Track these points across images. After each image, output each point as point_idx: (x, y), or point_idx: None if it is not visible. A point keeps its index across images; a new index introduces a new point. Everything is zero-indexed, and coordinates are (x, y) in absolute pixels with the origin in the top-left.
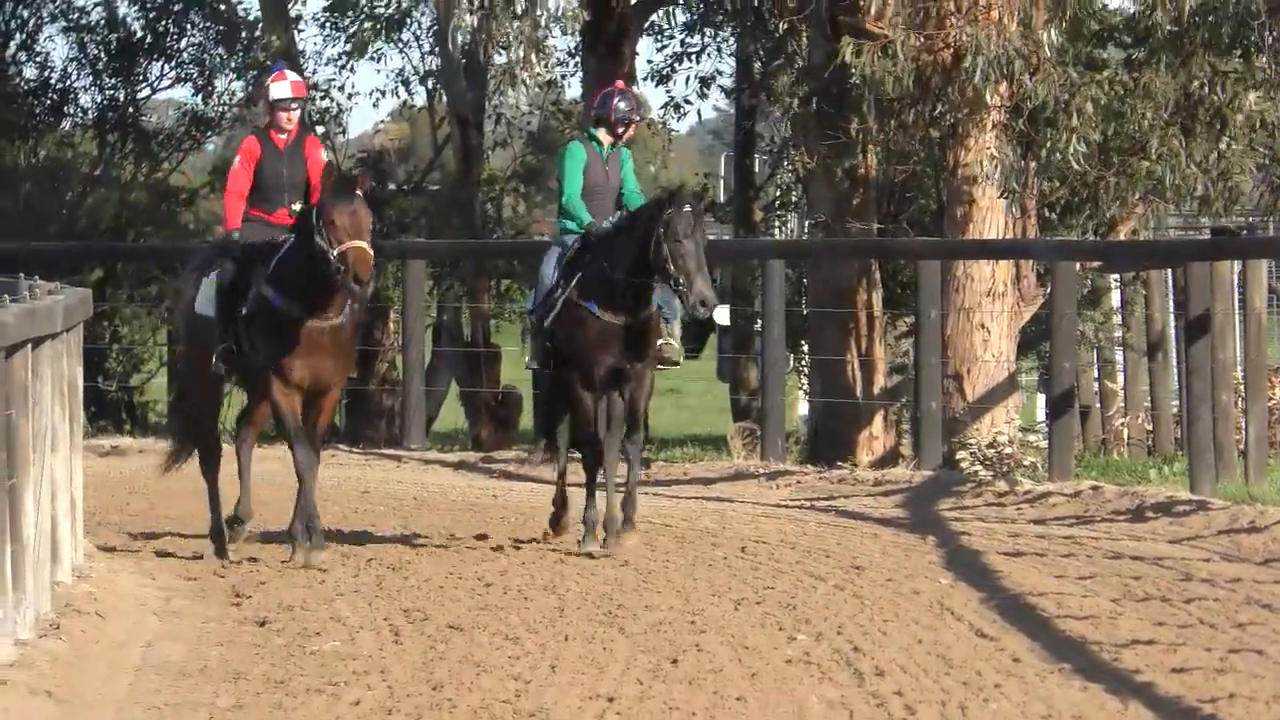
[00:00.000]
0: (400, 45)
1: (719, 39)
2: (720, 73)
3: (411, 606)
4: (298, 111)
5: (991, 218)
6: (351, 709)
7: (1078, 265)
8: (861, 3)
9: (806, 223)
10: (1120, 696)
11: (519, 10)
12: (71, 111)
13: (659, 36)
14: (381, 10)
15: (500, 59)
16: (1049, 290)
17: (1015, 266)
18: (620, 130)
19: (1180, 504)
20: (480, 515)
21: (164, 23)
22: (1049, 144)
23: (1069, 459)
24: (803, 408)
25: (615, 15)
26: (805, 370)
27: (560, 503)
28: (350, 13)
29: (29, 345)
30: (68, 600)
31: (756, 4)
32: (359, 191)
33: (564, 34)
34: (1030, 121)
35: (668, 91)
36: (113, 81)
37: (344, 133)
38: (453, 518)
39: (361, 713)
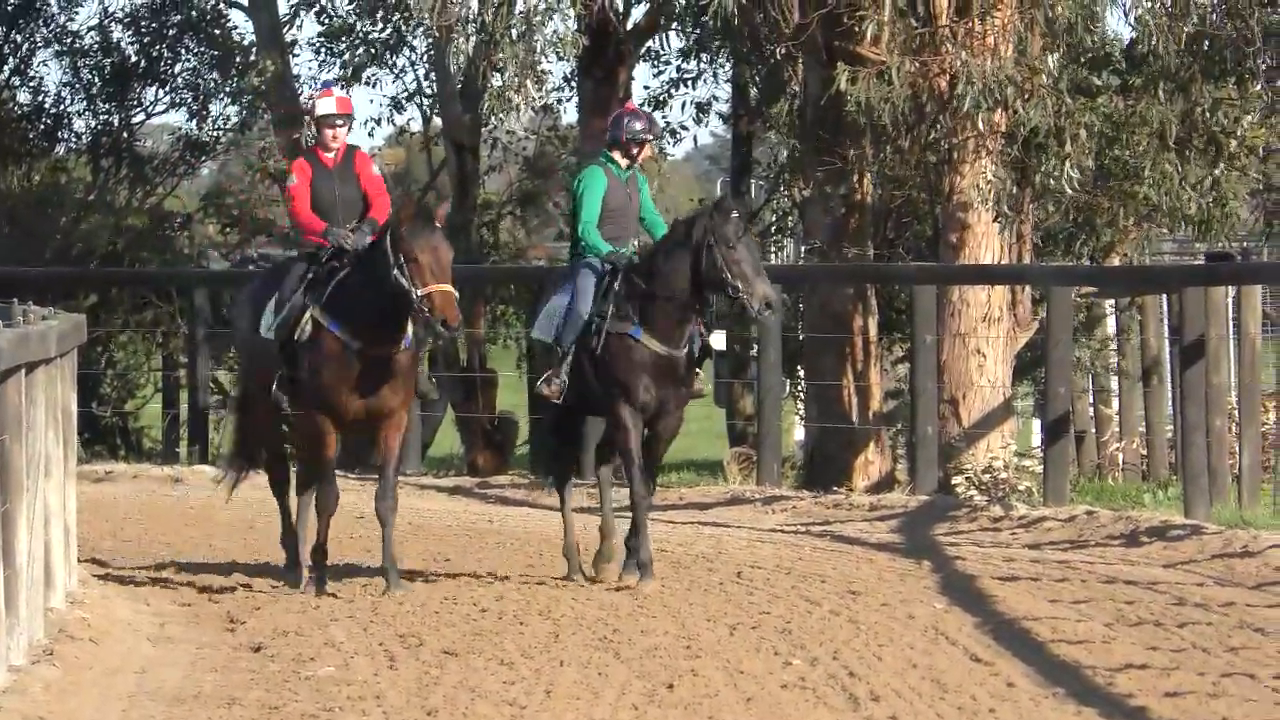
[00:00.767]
0: (395, 70)
1: (715, 65)
2: (716, 98)
3: (407, 632)
4: (345, 129)
5: (987, 243)
6: None
7: (1073, 291)
8: (857, 29)
9: (802, 248)
10: None
11: (516, 35)
12: (65, 136)
13: (655, 62)
14: (376, 35)
15: (496, 83)
16: (1044, 315)
17: (1011, 292)
18: (635, 151)
19: (1174, 528)
20: (476, 541)
21: (158, 48)
22: (1043, 170)
23: (1064, 484)
24: (799, 432)
25: (612, 41)
26: (801, 395)
27: (607, 532)
28: (345, 38)
29: (22, 370)
30: (61, 626)
31: (753, 31)
32: (439, 225)
33: (560, 59)
34: (1025, 147)
35: (664, 117)
36: (107, 106)
37: None
38: (448, 543)
39: None
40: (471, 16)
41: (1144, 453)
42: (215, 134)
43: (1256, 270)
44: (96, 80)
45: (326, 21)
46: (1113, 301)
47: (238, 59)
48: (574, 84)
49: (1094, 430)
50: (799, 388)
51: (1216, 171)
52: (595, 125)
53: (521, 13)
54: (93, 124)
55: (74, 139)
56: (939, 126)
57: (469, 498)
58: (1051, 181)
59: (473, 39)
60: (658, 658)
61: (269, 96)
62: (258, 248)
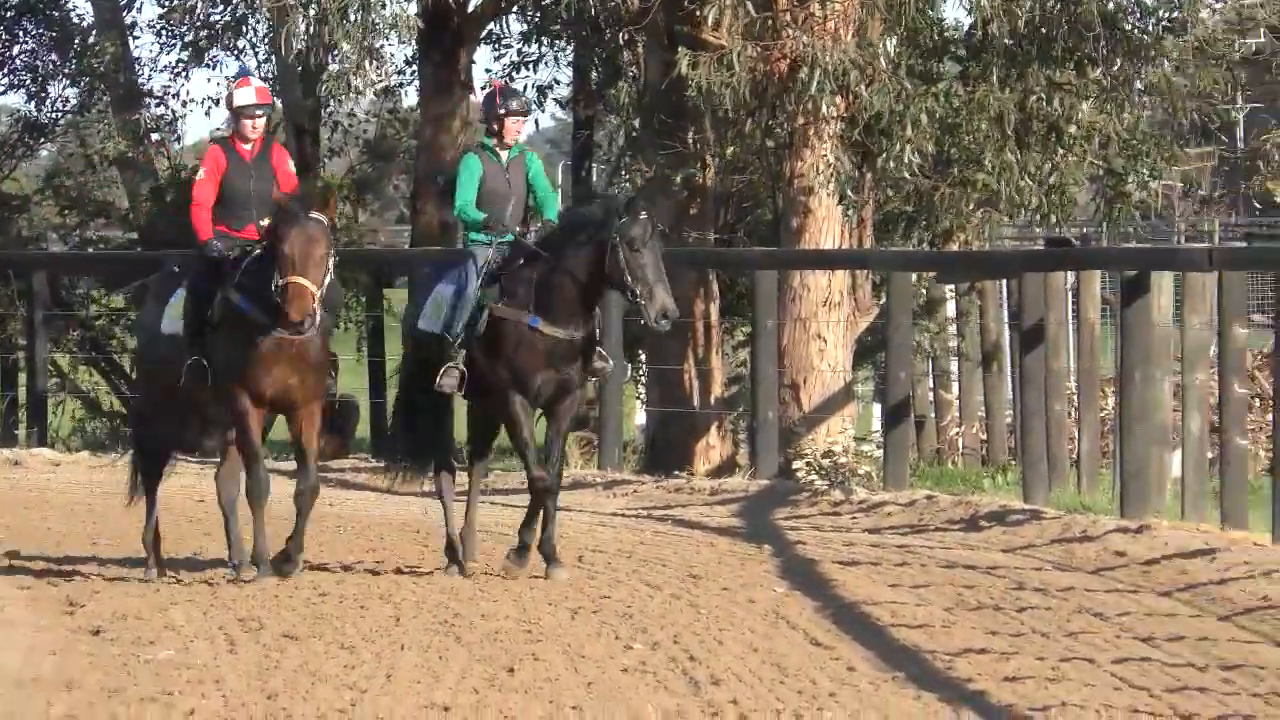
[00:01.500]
0: (236, 52)
1: (556, 48)
2: (558, 81)
3: (247, 615)
4: (263, 119)
5: (828, 228)
6: (186, 718)
7: (913, 276)
8: (699, 13)
9: None
10: (953, 705)
11: (353, 18)
12: None
13: (496, 45)
14: (217, 17)
15: (334, 66)
16: (884, 300)
17: (851, 276)
18: (506, 127)
19: (1014, 513)
20: (316, 525)
21: None
22: (884, 155)
23: (904, 468)
24: (640, 417)
25: (452, 24)
26: (643, 379)
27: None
28: (185, 19)
29: None
30: None
31: (593, 14)
32: (315, 216)
33: (400, 42)
34: (866, 132)
35: None
36: None
37: (179, 140)
38: (288, 527)
39: None
40: None
41: (984, 437)
42: (54, 116)
43: (1095, 256)
44: None
45: (167, 3)
46: (952, 286)
47: (77, 40)
48: (414, 67)
49: (934, 415)
50: (640, 372)
51: (1056, 157)
52: (435, 108)
53: None
54: None
55: None
56: (780, 111)
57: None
58: (892, 165)
59: (310, 21)
60: (499, 641)
61: (108, 78)
62: (96, 230)
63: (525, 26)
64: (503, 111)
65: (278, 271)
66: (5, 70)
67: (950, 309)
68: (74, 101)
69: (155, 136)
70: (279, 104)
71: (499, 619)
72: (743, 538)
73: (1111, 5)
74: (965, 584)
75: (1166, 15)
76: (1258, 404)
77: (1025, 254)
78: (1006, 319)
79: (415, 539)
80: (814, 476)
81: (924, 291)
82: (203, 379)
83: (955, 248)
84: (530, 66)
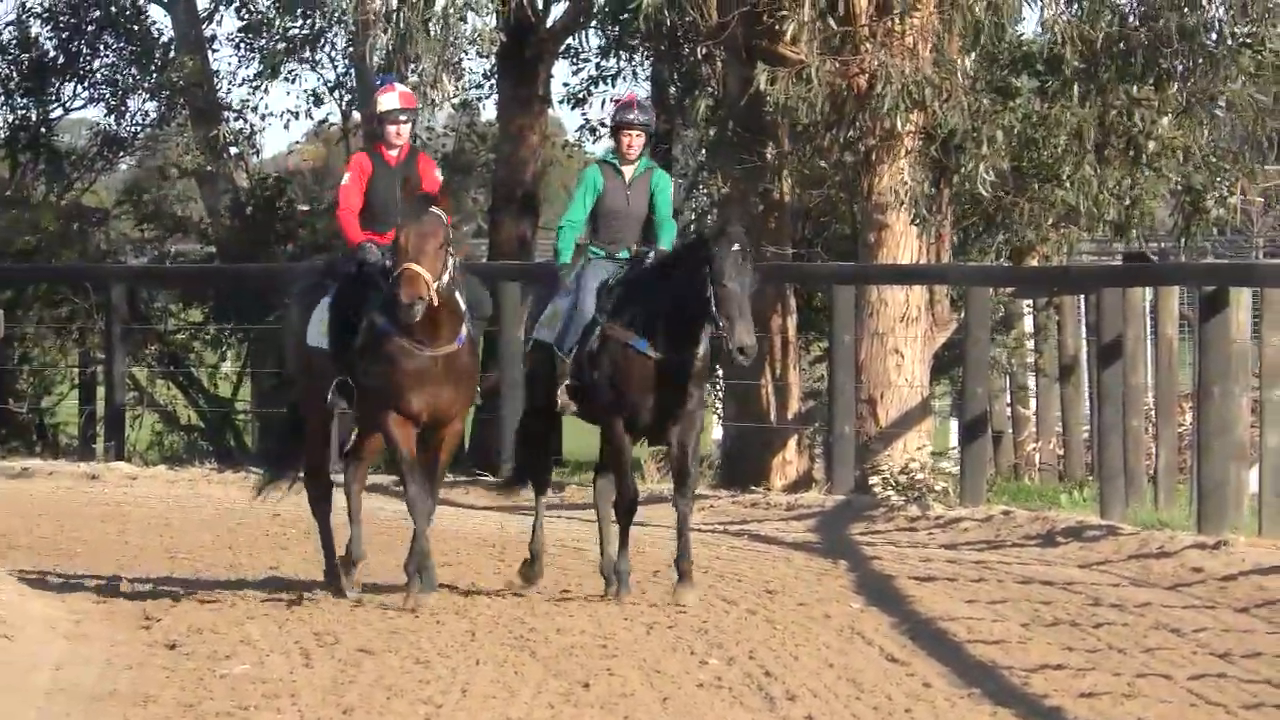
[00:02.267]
0: (315, 65)
1: (634, 63)
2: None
3: (322, 630)
4: (409, 125)
5: (905, 242)
6: None
7: (991, 290)
8: (778, 28)
9: None
10: None
11: (434, 31)
12: None
13: (574, 60)
14: (295, 30)
15: (414, 79)
16: (962, 315)
17: (929, 291)
18: (625, 139)
19: (1090, 529)
20: (392, 538)
21: (77, 43)
22: (961, 171)
23: (981, 484)
24: (717, 431)
25: (531, 38)
26: (720, 394)
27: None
28: (264, 33)
29: None
30: None
31: (672, 29)
32: (434, 210)
33: (480, 56)
34: (943, 149)
35: (583, 115)
36: (24, 101)
37: (258, 154)
38: (367, 541)
39: None
40: (389, 12)
41: (1060, 453)
42: (134, 129)
43: (1174, 271)
44: (14, 75)
45: (246, 16)
46: (1030, 301)
47: (156, 54)
48: (493, 81)
49: (1011, 430)
50: (717, 387)
51: (1134, 173)
52: (513, 122)
53: (439, 10)
54: (10, 119)
55: None
56: (857, 126)
57: (385, 495)
58: (968, 182)
59: (389, 34)
60: (574, 657)
61: (187, 92)
62: (174, 244)
63: (604, 41)
64: (614, 124)
65: (395, 261)
66: (86, 84)
67: (1028, 324)
68: (153, 115)
69: (233, 150)
70: (357, 116)
71: (574, 634)
72: (819, 553)
73: (1190, 21)
74: (1041, 600)
75: (1243, 31)
76: None
77: (1103, 269)
78: (1084, 334)
79: (491, 554)
80: (890, 492)
81: (1002, 307)
82: (349, 399)
83: (1033, 263)
84: (608, 80)
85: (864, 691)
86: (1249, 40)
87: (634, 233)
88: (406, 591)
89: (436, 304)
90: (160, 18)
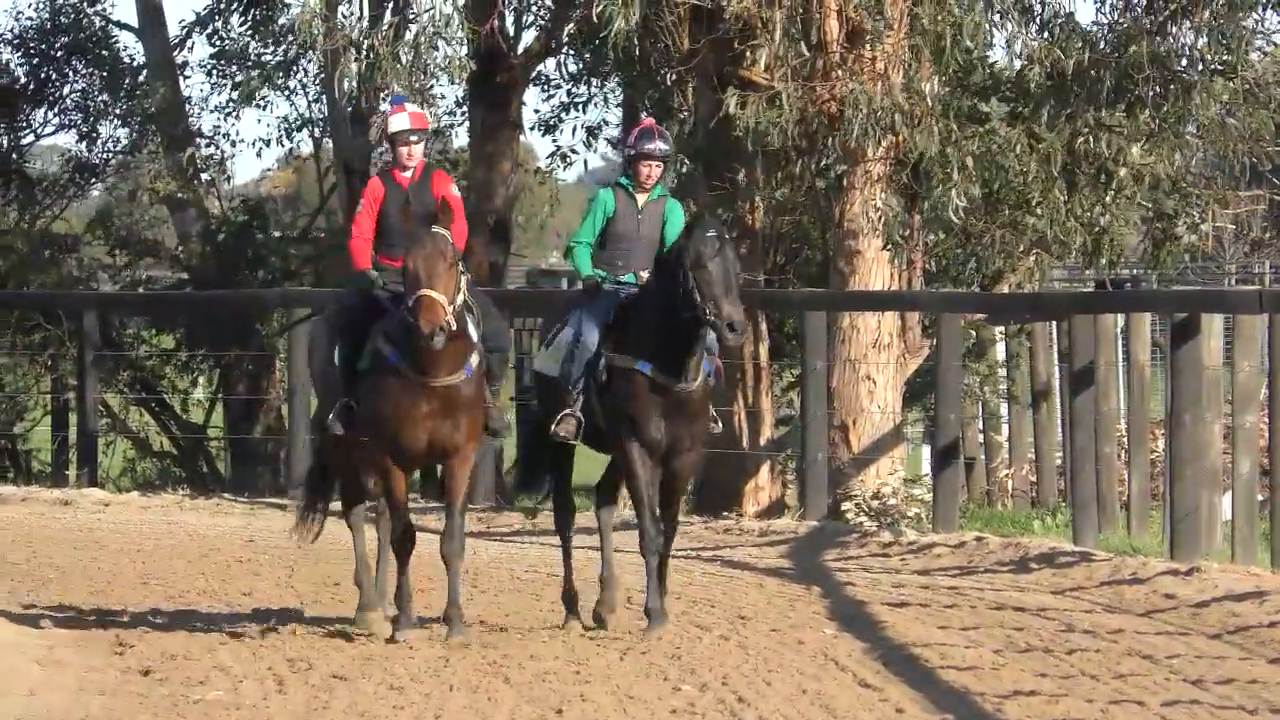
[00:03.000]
0: (286, 93)
1: (606, 89)
2: (607, 122)
3: (296, 656)
4: (420, 145)
5: (877, 269)
6: None
7: (962, 317)
8: (749, 55)
9: None
10: None
11: (405, 59)
12: None
13: (546, 87)
14: (268, 58)
15: (386, 107)
16: (934, 342)
17: (901, 318)
18: (643, 169)
19: (1063, 555)
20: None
21: (47, 69)
22: (932, 197)
23: (953, 510)
24: None
25: (503, 66)
26: None
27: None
28: (237, 60)
29: None
30: None
31: (644, 55)
32: (438, 230)
33: (451, 83)
34: (914, 174)
35: (554, 141)
36: None
37: (229, 180)
38: (338, 567)
39: None
40: (360, 40)
41: (1033, 479)
42: (105, 156)
43: (1145, 298)
44: None
45: (218, 44)
46: (1002, 328)
47: (128, 81)
48: (464, 108)
49: (983, 456)
50: None
51: (1106, 199)
52: (485, 149)
53: (410, 39)
54: None
55: None
56: (828, 152)
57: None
58: (938, 207)
59: (361, 63)
60: (547, 683)
61: (159, 118)
62: (146, 270)
63: (575, 67)
64: (633, 153)
65: (407, 290)
66: (56, 110)
67: (1000, 351)
68: (124, 141)
69: (205, 176)
70: (329, 145)
71: (547, 660)
72: (791, 579)
73: (1162, 48)
74: (1015, 626)
75: (1216, 58)
76: None
77: (1074, 295)
78: (1056, 361)
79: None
80: (863, 518)
81: (973, 333)
82: (351, 423)
83: (1005, 289)
84: (580, 108)
85: (837, 718)
86: (1221, 67)
87: (643, 259)
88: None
89: (454, 328)
90: (131, 43)
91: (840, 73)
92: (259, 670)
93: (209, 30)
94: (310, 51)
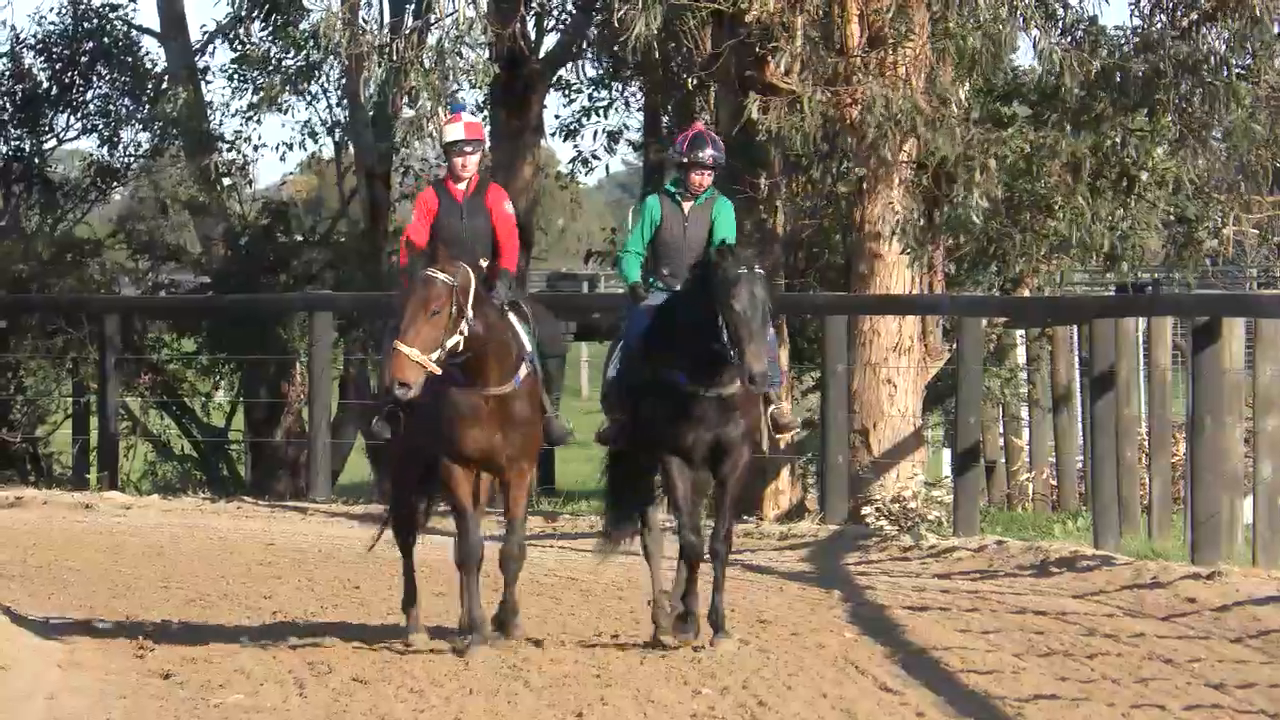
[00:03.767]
0: (308, 98)
1: (627, 93)
2: (628, 126)
3: (316, 659)
4: (475, 156)
5: (897, 273)
6: None
7: (984, 321)
8: (770, 59)
9: None
10: None
11: (428, 64)
12: None
13: (567, 91)
14: (290, 63)
15: (409, 112)
16: (955, 346)
17: (921, 322)
18: (687, 177)
19: (1084, 559)
20: (386, 568)
21: (70, 74)
22: (952, 200)
23: (974, 514)
24: None
25: (524, 70)
26: None
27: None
28: (258, 65)
29: None
30: None
31: (665, 59)
32: (432, 272)
33: (473, 87)
34: (935, 178)
35: (575, 145)
36: (18, 132)
37: (250, 185)
38: (358, 570)
39: None
40: (383, 45)
41: (1054, 483)
42: (127, 160)
43: (1167, 302)
44: (8, 106)
45: (239, 49)
46: (1023, 332)
47: (150, 86)
48: (486, 113)
49: (1004, 460)
50: None
51: (1128, 203)
52: (507, 153)
53: (432, 44)
54: (4, 150)
55: None
56: (850, 156)
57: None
58: (960, 210)
59: (383, 68)
60: (567, 686)
61: (181, 123)
62: (168, 274)
63: (598, 71)
64: (685, 161)
65: (388, 335)
66: (79, 115)
67: (1021, 354)
68: (146, 146)
69: (227, 181)
70: (351, 148)
71: (568, 663)
72: (812, 583)
73: (1186, 52)
74: (1035, 630)
75: (1239, 62)
76: None
77: (1096, 299)
78: (1077, 364)
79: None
80: (884, 522)
81: (995, 337)
82: (397, 428)
83: (1026, 293)
84: (601, 112)
85: None
86: (1245, 72)
87: (690, 263)
88: (505, 633)
89: (439, 373)
90: (153, 49)
91: (861, 76)
92: (279, 673)
93: (230, 36)
94: (332, 56)
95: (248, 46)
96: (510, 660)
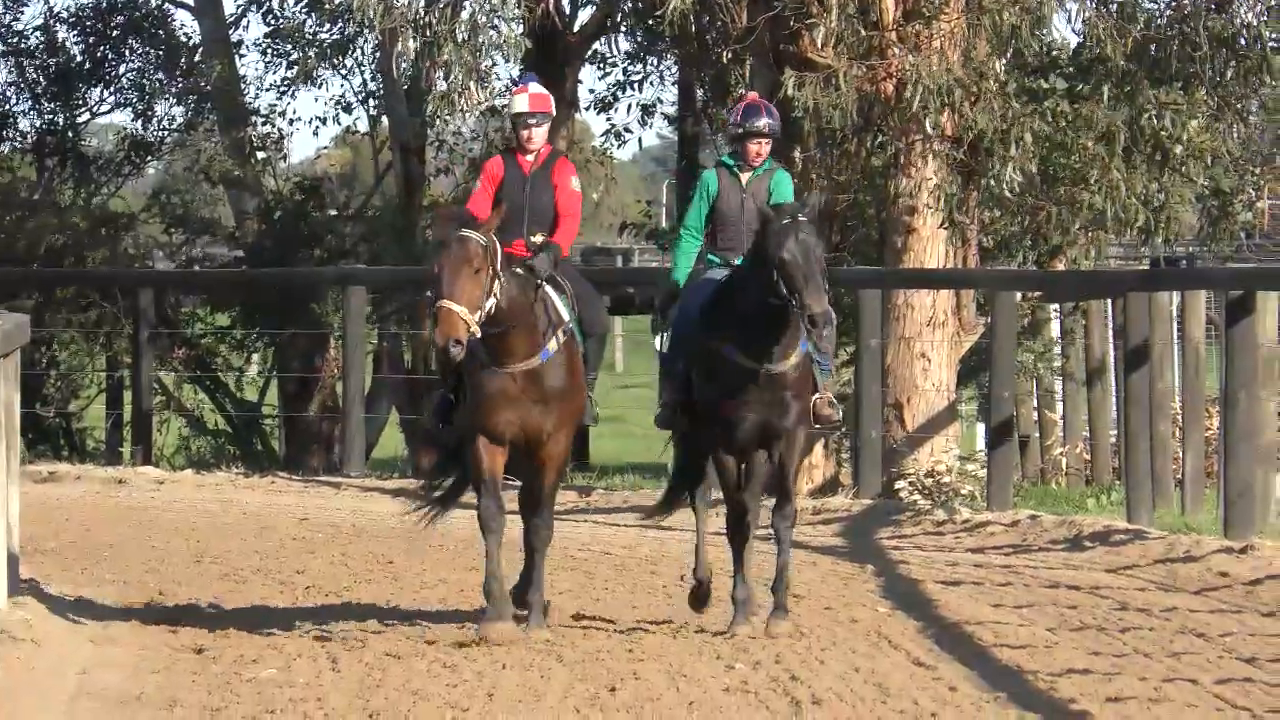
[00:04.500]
0: (342, 71)
1: (661, 67)
2: (662, 100)
3: (349, 634)
4: (542, 128)
5: (932, 247)
6: None
7: (1018, 295)
8: (805, 33)
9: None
10: None
11: (461, 37)
12: (10, 135)
13: (601, 64)
14: (324, 36)
15: (442, 86)
16: (989, 320)
17: (955, 296)
18: (743, 148)
19: (1117, 533)
20: (419, 543)
21: (103, 48)
22: (989, 174)
23: (1007, 488)
24: None
25: (558, 44)
26: None
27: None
28: (292, 39)
29: None
30: (2, 627)
31: (700, 33)
32: (466, 232)
33: (507, 61)
34: (971, 151)
35: (609, 119)
36: (52, 106)
37: (285, 159)
38: (391, 545)
39: None
40: (417, 19)
41: (1087, 457)
42: (160, 134)
43: (1201, 276)
44: (41, 80)
45: (273, 22)
46: (1057, 306)
47: (183, 59)
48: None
49: (1038, 434)
50: None
51: (1163, 177)
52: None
53: (466, 17)
54: (38, 123)
55: (19, 138)
56: (885, 130)
57: (413, 500)
58: (996, 184)
59: (417, 41)
60: (600, 661)
61: (215, 97)
62: (202, 248)
63: (632, 45)
64: (740, 131)
65: (431, 296)
66: (112, 89)
67: (1055, 328)
68: (180, 120)
69: (261, 155)
70: (385, 122)
71: (600, 638)
72: (845, 557)
73: (1220, 24)
74: (1068, 604)
75: (1274, 35)
76: None
77: (1130, 273)
78: (1111, 338)
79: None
80: (917, 496)
81: (1029, 311)
82: (448, 417)
83: (1061, 267)
84: (635, 86)
85: (890, 696)
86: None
87: (752, 237)
88: (525, 623)
89: (479, 335)
90: (187, 22)
91: (896, 50)
92: (312, 648)
93: (264, 8)
94: (366, 30)
95: (281, 20)
96: (543, 635)
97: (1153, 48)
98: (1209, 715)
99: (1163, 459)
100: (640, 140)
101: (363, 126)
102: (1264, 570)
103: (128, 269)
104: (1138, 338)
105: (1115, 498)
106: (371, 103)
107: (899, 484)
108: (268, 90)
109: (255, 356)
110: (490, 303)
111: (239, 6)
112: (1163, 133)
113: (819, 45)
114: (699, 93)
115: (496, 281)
